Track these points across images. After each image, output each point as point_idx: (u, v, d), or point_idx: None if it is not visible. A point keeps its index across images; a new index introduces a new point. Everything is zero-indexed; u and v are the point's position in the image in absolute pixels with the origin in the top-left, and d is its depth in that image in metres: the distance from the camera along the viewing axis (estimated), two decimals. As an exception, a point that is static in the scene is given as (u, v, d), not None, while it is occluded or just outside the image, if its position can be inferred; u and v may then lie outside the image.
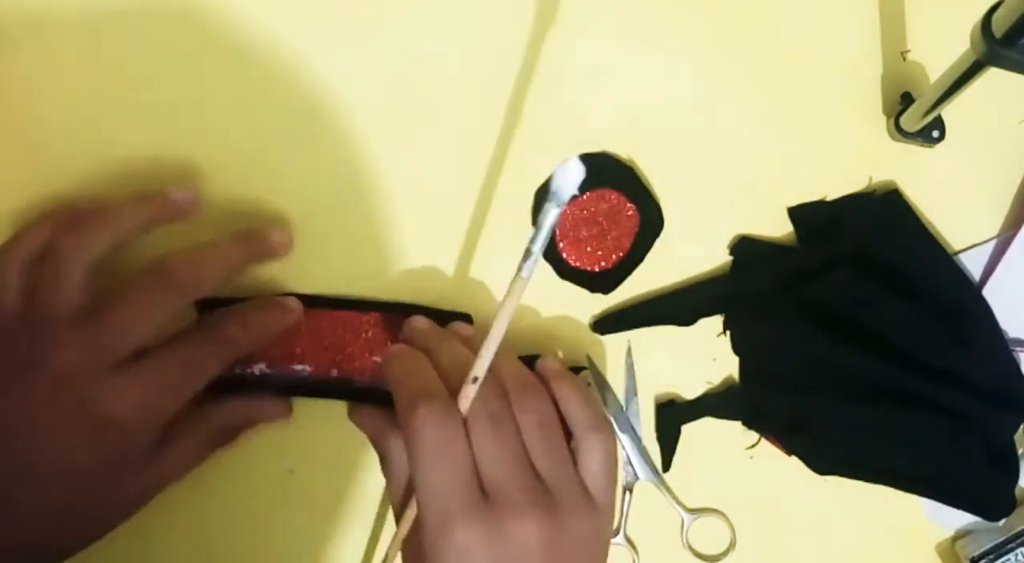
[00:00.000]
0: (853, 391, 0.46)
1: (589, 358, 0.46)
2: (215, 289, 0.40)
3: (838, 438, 0.46)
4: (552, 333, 0.46)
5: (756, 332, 0.47)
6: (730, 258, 0.48)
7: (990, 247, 0.49)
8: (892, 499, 0.47)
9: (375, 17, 0.46)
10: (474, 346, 0.37)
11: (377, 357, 0.44)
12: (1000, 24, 0.37)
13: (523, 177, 0.47)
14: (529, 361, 0.45)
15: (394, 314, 0.44)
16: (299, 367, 0.43)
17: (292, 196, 0.45)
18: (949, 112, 0.47)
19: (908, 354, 0.45)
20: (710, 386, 0.47)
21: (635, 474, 0.46)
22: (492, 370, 0.36)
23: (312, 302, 0.44)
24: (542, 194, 0.47)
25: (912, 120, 0.47)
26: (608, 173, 0.47)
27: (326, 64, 0.46)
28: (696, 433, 0.47)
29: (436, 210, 0.46)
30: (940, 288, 0.47)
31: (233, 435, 0.43)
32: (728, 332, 0.47)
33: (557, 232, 0.46)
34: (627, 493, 0.46)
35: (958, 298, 0.47)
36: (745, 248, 0.48)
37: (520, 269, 0.36)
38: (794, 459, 0.47)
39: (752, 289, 0.47)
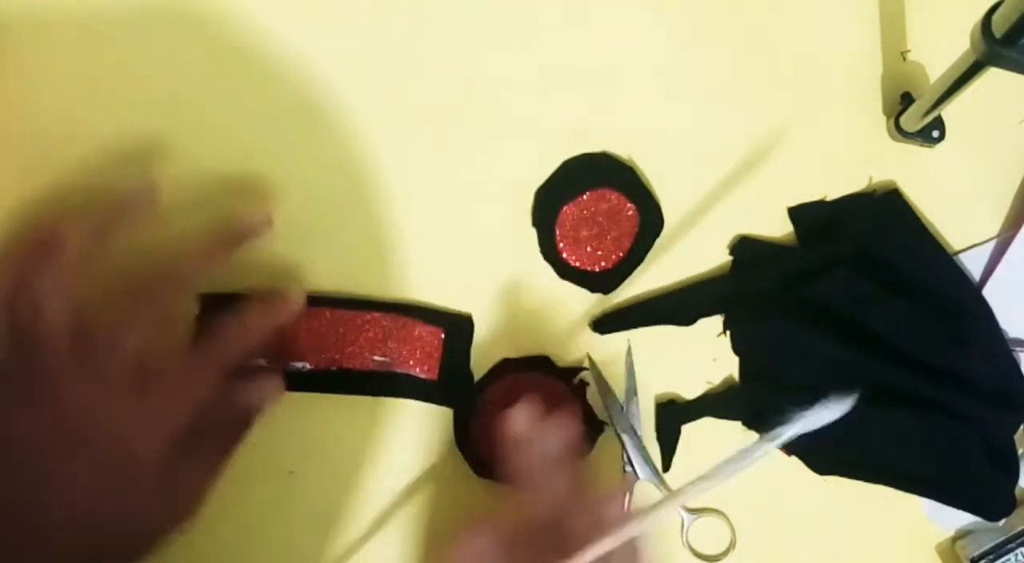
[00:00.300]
0: (853, 391, 0.46)
1: (589, 358, 0.46)
2: (201, 282, 0.40)
3: (838, 438, 0.46)
4: (552, 333, 0.46)
5: (756, 332, 0.47)
6: (730, 258, 0.48)
7: (990, 247, 0.49)
8: (892, 499, 0.47)
9: (375, 17, 0.46)
10: None
11: (377, 356, 0.44)
12: (1000, 24, 0.37)
13: (523, 177, 0.47)
14: (529, 362, 0.46)
15: (395, 314, 0.44)
16: (299, 364, 0.44)
17: (293, 194, 0.45)
18: (949, 112, 0.47)
19: (908, 354, 0.45)
20: (710, 386, 0.47)
21: (635, 474, 0.46)
22: None
23: (313, 301, 0.44)
24: (542, 194, 0.47)
25: (912, 120, 0.47)
26: (608, 173, 0.47)
27: (326, 63, 0.46)
28: (696, 433, 0.47)
29: (436, 210, 0.46)
30: (940, 288, 0.47)
31: (243, 432, 0.42)
32: (728, 332, 0.47)
33: (557, 232, 0.46)
34: (627, 493, 0.46)
35: (958, 298, 0.47)
36: (745, 248, 0.48)
37: (680, 494, 0.36)
38: (794, 459, 0.47)
39: (752, 289, 0.47)
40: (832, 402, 0.34)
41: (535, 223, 0.47)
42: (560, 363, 0.46)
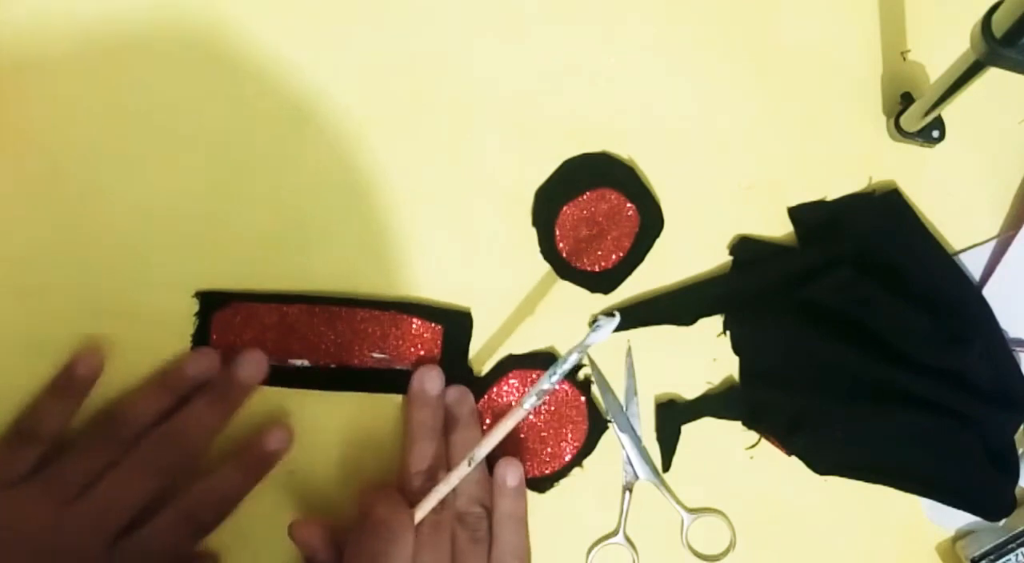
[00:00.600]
0: (853, 391, 0.46)
1: (589, 358, 0.46)
2: (203, 455, 0.42)
3: (838, 438, 0.46)
4: (552, 333, 0.46)
5: (756, 332, 0.47)
6: (730, 258, 0.48)
7: (990, 247, 0.49)
8: (892, 499, 0.47)
9: (374, 18, 0.46)
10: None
11: (377, 354, 0.44)
12: (1000, 24, 0.37)
13: (523, 177, 0.47)
14: (533, 358, 0.46)
15: (394, 312, 0.44)
16: (298, 361, 0.44)
17: (292, 195, 0.45)
18: (949, 112, 0.47)
19: (908, 354, 0.45)
20: (710, 386, 0.47)
21: (635, 474, 0.46)
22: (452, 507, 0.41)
23: (312, 300, 0.44)
24: (542, 194, 0.47)
25: (912, 120, 0.47)
26: (608, 173, 0.47)
27: (326, 65, 0.46)
28: (696, 433, 0.47)
29: (436, 210, 0.46)
30: (940, 288, 0.47)
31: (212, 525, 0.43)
32: (728, 332, 0.47)
33: (557, 232, 0.46)
34: (627, 493, 0.46)
35: (958, 298, 0.47)
36: (745, 248, 0.48)
37: (523, 401, 0.40)
38: (794, 459, 0.47)
39: (752, 289, 0.47)
40: (602, 322, 0.39)
41: (535, 223, 0.47)
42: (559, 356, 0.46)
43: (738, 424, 0.47)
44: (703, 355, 0.47)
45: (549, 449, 0.45)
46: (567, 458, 0.46)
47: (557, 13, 0.48)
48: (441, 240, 0.46)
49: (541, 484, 0.45)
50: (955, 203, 0.49)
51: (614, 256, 0.47)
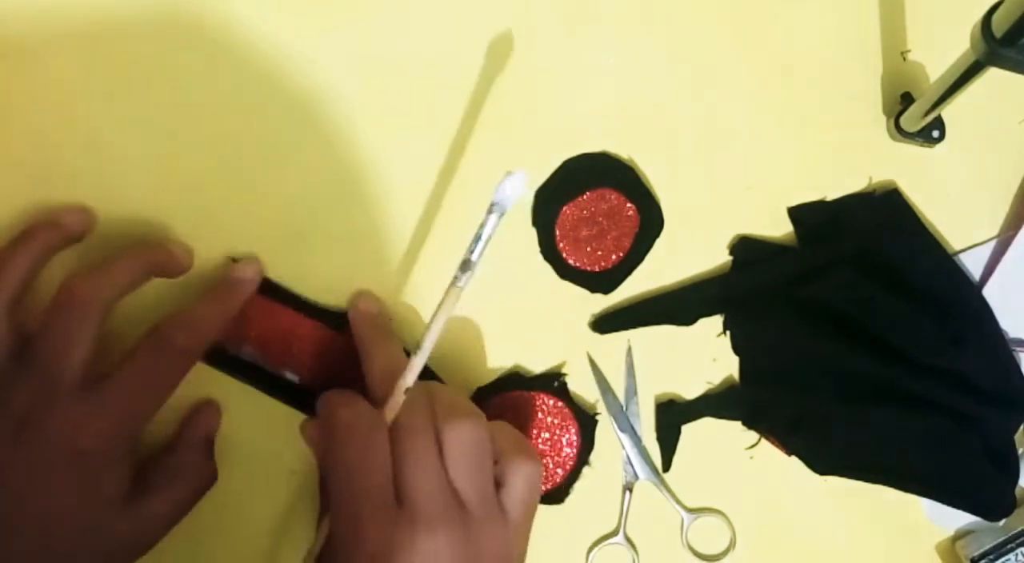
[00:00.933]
0: (853, 391, 0.46)
1: (590, 358, 0.46)
2: (203, 348, 0.40)
3: (838, 438, 0.46)
4: (552, 333, 0.46)
5: (756, 332, 0.47)
6: (730, 258, 0.48)
7: (990, 247, 0.49)
8: (892, 499, 0.47)
9: (373, 17, 0.46)
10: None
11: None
12: (1000, 24, 0.37)
13: (523, 177, 0.47)
14: (499, 383, 0.45)
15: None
16: (289, 375, 0.44)
17: (289, 197, 0.45)
18: (949, 112, 0.47)
19: (908, 354, 0.45)
20: (710, 386, 0.47)
21: (635, 474, 0.46)
22: (427, 393, 0.37)
23: (322, 314, 0.44)
24: (542, 194, 0.47)
25: (912, 120, 0.47)
26: (608, 173, 0.47)
27: (325, 65, 0.46)
28: (696, 433, 0.47)
29: (436, 210, 0.46)
30: (940, 288, 0.47)
31: (208, 447, 0.42)
32: (728, 332, 0.47)
33: (557, 232, 0.46)
34: (627, 493, 0.46)
35: (958, 298, 0.47)
36: (745, 248, 0.48)
37: (456, 279, 0.37)
38: (794, 459, 0.47)
39: (752, 289, 0.47)
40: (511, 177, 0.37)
41: (535, 223, 0.47)
42: (530, 373, 0.46)
43: (738, 424, 0.47)
44: (703, 355, 0.47)
45: (552, 461, 0.45)
46: (571, 463, 0.46)
47: (557, 13, 0.48)
48: (441, 239, 0.46)
49: (558, 495, 0.46)
50: (955, 203, 0.49)
51: (614, 256, 0.47)
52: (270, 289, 0.44)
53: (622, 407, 0.46)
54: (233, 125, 0.45)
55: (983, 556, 0.46)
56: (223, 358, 0.43)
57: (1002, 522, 0.47)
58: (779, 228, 0.48)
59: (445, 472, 0.36)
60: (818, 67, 0.49)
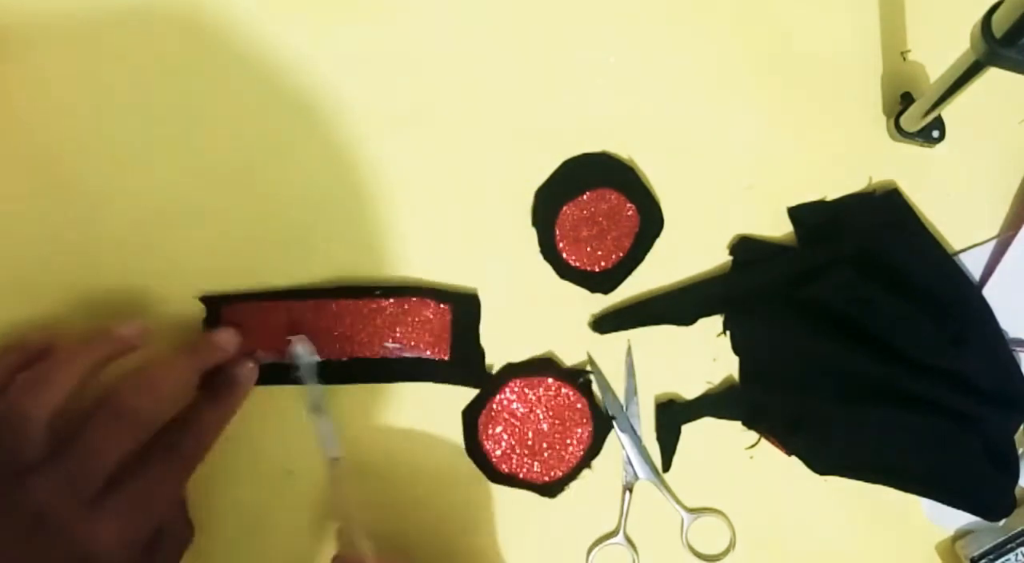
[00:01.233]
0: (853, 391, 0.46)
1: (589, 358, 0.46)
2: (174, 409, 0.40)
3: (838, 438, 0.46)
4: (552, 333, 0.46)
5: (756, 332, 0.47)
6: (730, 258, 0.48)
7: (990, 247, 0.49)
8: (892, 499, 0.47)
9: (375, 18, 0.46)
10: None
11: (389, 343, 0.44)
12: (1000, 24, 0.37)
13: (523, 177, 0.47)
14: (532, 365, 0.46)
15: (401, 298, 0.44)
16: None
17: (293, 196, 0.45)
18: (949, 112, 0.47)
19: (908, 354, 0.45)
20: (710, 386, 0.47)
21: (635, 474, 0.46)
22: None
23: (317, 293, 0.44)
24: (542, 194, 0.47)
25: (912, 120, 0.47)
26: (608, 173, 0.47)
27: (328, 64, 0.46)
28: (696, 433, 0.47)
29: (436, 210, 0.46)
30: (940, 288, 0.47)
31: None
32: (728, 332, 0.47)
33: (557, 232, 0.46)
34: (627, 493, 0.46)
35: (958, 298, 0.47)
36: (745, 248, 0.48)
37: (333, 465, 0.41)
38: (794, 459, 0.47)
39: (752, 289, 0.47)
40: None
41: (535, 223, 0.47)
42: (563, 364, 0.46)
43: (738, 424, 0.47)
44: (703, 355, 0.47)
45: (555, 454, 0.46)
46: (575, 461, 0.46)
47: (558, 13, 0.48)
48: (441, 240, 0.46)
49: (551, 489, 0.46)
50: (955, 203, 0.49)
51: (614, 256, 0.47)
52: (251, 297, 0.44)
53: (622, 407, 0.46)
54: (233, 124, 0.45)
55: (983, 556, 0.46)
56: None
57: (1002, 522, 0.47)
58: (779, 228, 0.48)
59: None
60: (818, 67, 0.49)
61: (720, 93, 0.49)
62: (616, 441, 0.46)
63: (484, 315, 0.46)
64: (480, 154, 0.46)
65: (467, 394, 0.45)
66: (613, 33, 0.48)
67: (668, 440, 0.46)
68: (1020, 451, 0.47)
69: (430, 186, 0.46)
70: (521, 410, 0.45)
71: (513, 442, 0.45)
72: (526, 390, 0.45)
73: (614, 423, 0.46)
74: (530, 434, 0.45)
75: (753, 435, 0.47)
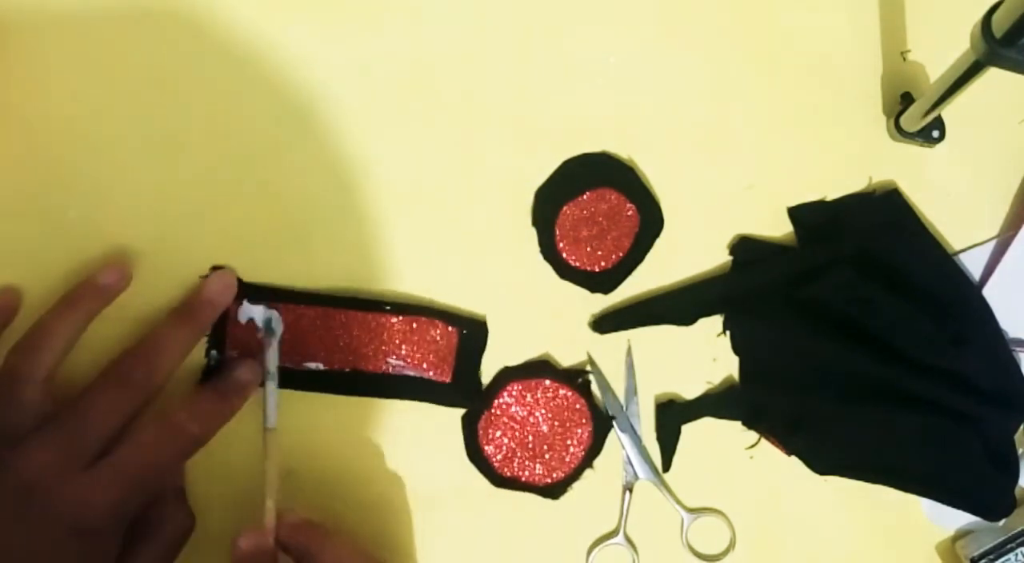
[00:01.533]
0: (853, 391, 0.46)
1: (589, 358, 0.46)
2: (171, 376, 0.40)
3: (838, 438, 0.46)
4: (552, 333, 0.46)
5: (756, 332, 0.47)
6: (730, 258, 0.48)
7: (990, 247, 0.49)
8: (892, 499, 0.47)
9: (375, 18, 0.46)
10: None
11: (393, 359, 0.44)
12: (1000, 24, 0.37)
13: (523, 177, 0.47)
14: (530, 367, 0.46)
15: (409, 316, 0.44)
16: (312, 364, 0.44)
17: (293, 195, 0.45)
18: (949, 112, 0.47)
19: (908, 354, 0.45)
20: (710, 386, 0.47)
21: (635, 474, 0.46)
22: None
23: (325, 301, 0.44)
24: (542, 194, 0.47)
25: (912, 120, 0.47)
26: (608, 173, 0.47)
27: (328, 64, 0.46)
28: (696, 433, 0.47)
29: (436, 210, 0.46)
30: (940, 288, 0.47)
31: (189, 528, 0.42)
32: (728, 332, 0.47)
33: (557, 232, 0.46)
34: (627, 493, 0.46)
35: (958, 298, 0.47)
36: (745, 248, 0.48)
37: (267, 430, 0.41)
38: (794, 459, 0.47)
39: (752, 289, 0.47)
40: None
41: (535, 223, 0.47)
42: (559, 365, 0.46)
43: (738, 424, 0.47)
44: (703, 355, 0.47)
45: (557, 455, 0.46)
46: (576, 462, 0.46)
47: (558, 13, 0.48)
48: (441, 240, 0.46)
49: (554, 490, 0.46)
50: (955, 203, 0.49)
51: (614, 256, 0.47)
52: (257, 292, 0.44)
53: (622, 407, 0.46)
54: (233, 125, 0.45)
55: (983, 556, 0.46)
56: None
57: (1002, 522, 0.47)
58: (779, 228, 0.48)
59: None
60: (818, 67, 0.49)
61: (720, 93, 0.49)
62: (616, 441, 0.46)
63: (484, 315, 0.46)
64: (480, 154, 0.46)
65: (467, 394, 0.45)
66: (613, 33, 0.48)
67: (668, 440, 0.46)
68: (1020, 451, 0.47)
69: (430, 186, 0.46)
70: (520, 413, 0.45)
71: (514, 445, 0.45)
72: (524, 393, 0.45)
73: (614, 423, 0.46)
74: (530, 437, 0.45)
75: (753, 435, 0.47)
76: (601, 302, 0.47)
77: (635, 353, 0.47)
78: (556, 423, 0.46)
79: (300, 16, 0.46)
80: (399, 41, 0.46)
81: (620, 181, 0.47)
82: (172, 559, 0.41)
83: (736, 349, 0.47)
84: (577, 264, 0.47)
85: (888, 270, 0.46)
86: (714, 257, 0.48)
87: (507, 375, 0.45)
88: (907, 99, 0.48)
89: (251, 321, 0.43)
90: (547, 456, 0.45)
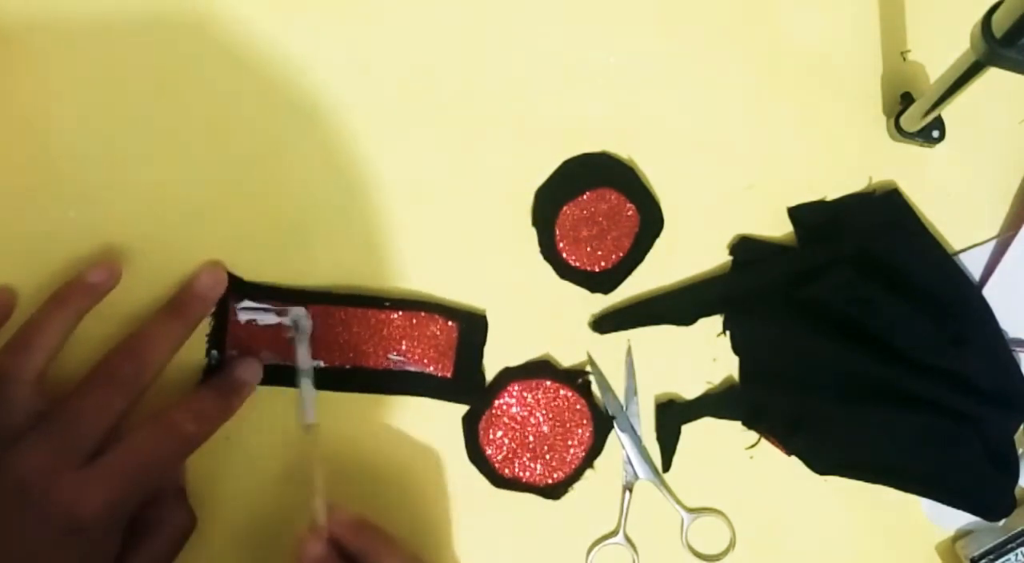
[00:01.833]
0: (853, 391, 0.46)
1: (590, 358, 0.46)
2: (161, 371, 0.40)
3: (838, 438, 0.46)
4: (552, 333, 0.46)
5: (756, 332, 0.47)
6: (730, 258, 0.48)
7: (990, 247, 0.49)
8: (892, 499, 0.47)
9: (376, 18, 0.46)
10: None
11: (393, 355, 0.44)
12: (1000, 24, 0.37)
13: (523, 177, 0.47)
14: (530, 368, 0.46)
15: (409, 312, 0.44)
16: (312, 361, 0.44)
17: (294, 193, 0.45)
18: (949, 112, 0.47)
19: (908, 354, 0.45)
20: (710, 386, 0.47)
21: (635, 474, 0.46)
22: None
23: (325, 299, 0.44)
24: (542, 194, 0.47)
25: (912, 120, 0.47)
26: (608, 173, 0.47)
27: (328, 64, 0.46)
28: (696, 433, 0.47)
29: (436, 210, 0.46)
30: (940, 288, 0.47)
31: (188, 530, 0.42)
32: (728, 332, 0.47)
33: (557, 232, 0.46)
34: (627, 493, 0.46)
35: (958, 298, 0.47)
36: (745, 248, 0.48)
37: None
38: (794, 459, 0.47)
39: (752, 289, 0.47)
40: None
41: (535, 223, 0.47)
42: (560, 365, 0.46)
43: (738, 424, 0.47)
44: (703, 355, 0.47)
45: (557, 456, 0.46)
46: (577, 462, 0.46)
47: (558, 13, 0.48)
48: (441, 240, 0.46)
49: (555, 491, 0.46)
50: (955, 203, 0.49)
51: (614, 256, 0.47)
52: (257, 290, 0.44)
53: (622, 407, 0.46)
54: (233, 125, 0.45)
55: (983, 556, 0.46)
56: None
57: (1002, 522, 0.47)
58: (779, 228, 0.48)
59: None
60: (818, 67, 0.49)
61: (720, 93, 0.49)
62: (616, 441, 0.46)
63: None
64: (480, 154, 0.46)
65: (467, 395, 0.45)
66: (613, 33, 0.48)
67: (668, 440, 0.46)
68: (1020, 451, 0.47)
69: (430, 186, 0.46)
70: (521, 414, 0.45)
71: (514, 446, 0.45)
72: (524, 393, 0.45)
73: (614, 423, 0.46)
74: (531, 437, 0.45)
75: (753, 435, 0.47)
76: (601, 302, 0.47)
77: (635, 353, 0.47)
78: (557, 423, 0.46)
79: (300, 16, 0.46)
80: (399, 41, 0.46)
81: (620, 181, 0.47)
82: (172, 559, 0.40)
83: (736, 349, 0.47)
84: (577, 264, 0.47)
85: (888, 270, 0.46)
86: (714, 257, 0.48)
87: (507, 375, 0.45)
88: (907, 99, 0.48)
89: (251, 321, 0.43)
90: (548, 456, 0.45)
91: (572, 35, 0.48)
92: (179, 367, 0.42)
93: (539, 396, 0.45)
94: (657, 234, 0.47)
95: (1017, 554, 0.46)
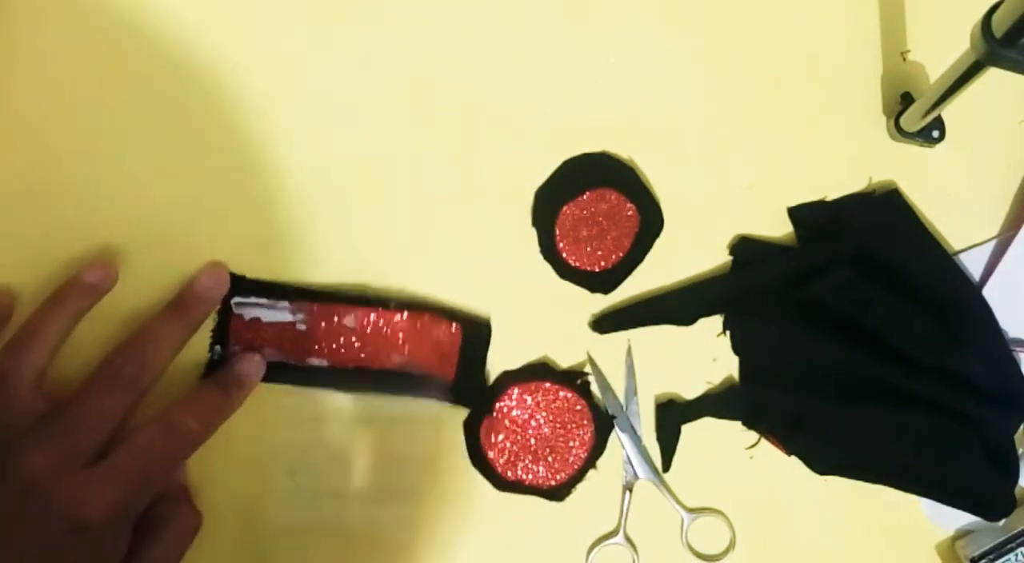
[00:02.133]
0: (853, 391, 0.46)
1: (589, 358, 0.46)
2: (163, 372, 0.40)
3: (838, 438, 0.46)
4: (552, 333, 0.46)
5: (756, 332, 0.47)
6: (730, 258, 0.48)
7: (990, 247, 0.49)
8: (892, 499, 0.47)
9: (377, 18, 0.46)
10: None
11: (396, 356, 0.44)
12: (1000, 24, 0.37)
13: (523, 177, 0.47)
14: (528, 371, 0.46)
15: (414, 314, 0.44)
16: (316, 361, 0.44)
17: (298, 192, 0.45)
18: (949, 112, 0.47)
19: (908, 354, 0.45)
20: (710, 386, 0.47)
21: (635, 474, 0.46)
22: None
23: (330, 298, 0.44)
24: (542, 194, 0.47)
25: (912, 120, 0.47)
26: (608, 173, 0.47)
27: (327, 65, 0.46)
28: (696, 433, 0.47)
29: (436, 210, 0.46)
30: (940, 288, 0.47)
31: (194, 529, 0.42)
32: (728, 332, 0.47)
33: (557, 232, 0.46)
34: (627, 493, 0.46)
35: (958, 298, 0.47)
36: (745, 248, 0.48)
37: None
38: (794, 459, 0.47)
39: (752, 289, 0.47)
40: None
41: (535, 223, 0.47)
42: (559, 366, 0.46)
43: (738, 424, 0.47)
44: (703, 355, 0.47)
45: (559, 457, 0.46)
46: (579, 463, 0.46)
47: (558, 13, 0.48)
48: (441, 239, 0.46)
49: (559, 492, 0.46)
50: (955, 203, 0.49)
51: (614, 256, 0.47)
52: (259, 289, 0.43)
53: (622, 407, 0.46)
54: (233, 125, 0.45)
55: (983, 556, 0.46)
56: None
57: (1002, 522, 0.47)
58: (779, 228, 0.48)
59: None
60: (818, 67, 0.49)
61: (720, 93, 0.49)
62: (616, 441, 0.46)
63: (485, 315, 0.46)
64: (480, 154, 0.46)
65: (467, 400, 0.45)
66: (613, 33, 0.48)
67: (668, 440, 0.46)
68: (1020, 451, 0.47)
69: (430, 186, 0.46)
70: (522, 416, 0.45)
71: (516, 449, 0.45)
72: (525, 396, 0.45)
73: (614, 423, 0.46)
74: (532, 439, 0.45)
75: (753, 435, 0.47)
76: (601, 302, 0.47)
77: (635, 353, 0.47)
78: (558, 425, 0.46)
79: (299, 16, 0.46)
80: (400, 41, 0.46)
81: (620, 181, 0.47)
82: (179, 557, 0.41)
83: (736, 349, 0.47)
84: (577, 264, 0.47)
85: (888, 270, 0.46)
86: (714, 257, 0.48)
87: (507, 379, 0.45)
88: (907, 99, 0.48)
89: (255, 318, 0.43)
90: (550, 458, 0.45)
91: (572, 35, 0.48)
92: (182, 364, 0.42)
93: (539, 398, 0.45)
94: (657, 234, 0.47)
95: (1017, 554, 0.46)
